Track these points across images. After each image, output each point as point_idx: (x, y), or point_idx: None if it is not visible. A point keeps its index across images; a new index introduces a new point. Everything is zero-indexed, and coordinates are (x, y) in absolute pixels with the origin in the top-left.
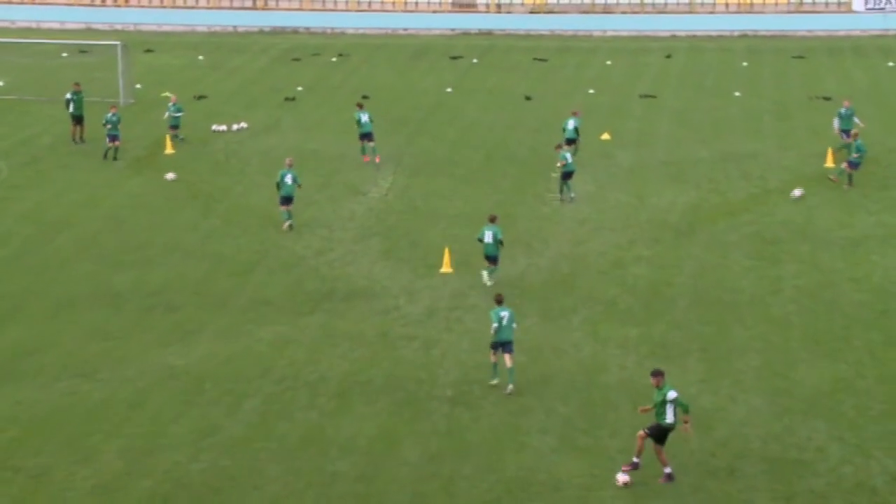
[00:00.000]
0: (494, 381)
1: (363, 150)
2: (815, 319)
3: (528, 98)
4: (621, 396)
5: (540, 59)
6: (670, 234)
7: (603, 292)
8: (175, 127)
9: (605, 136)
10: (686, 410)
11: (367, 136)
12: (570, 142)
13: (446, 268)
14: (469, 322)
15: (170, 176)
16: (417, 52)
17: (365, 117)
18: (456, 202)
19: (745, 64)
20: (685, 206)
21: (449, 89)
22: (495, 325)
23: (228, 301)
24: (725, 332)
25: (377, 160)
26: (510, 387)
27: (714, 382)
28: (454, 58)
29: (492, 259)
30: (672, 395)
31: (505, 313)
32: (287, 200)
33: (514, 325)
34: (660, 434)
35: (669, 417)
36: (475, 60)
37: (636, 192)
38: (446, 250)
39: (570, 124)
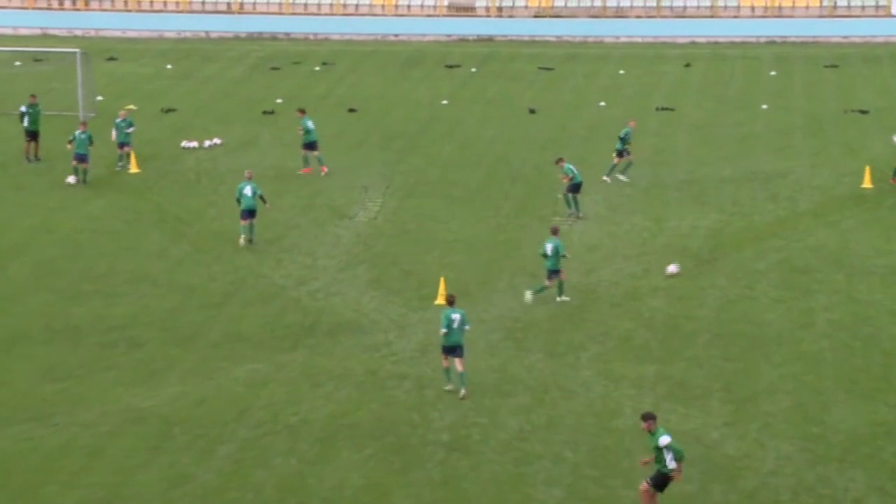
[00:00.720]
0: (448, 387)
1: (306, 161)
2: (852, 356)
3: (532, 111)
4: (636, 442)
5: (545, 68)
6: (691, 262)
7: (616, 326)
8: (124, 145)
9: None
10: (680, 458)
11: (312, 146)
12: (620, 154)
13: (442, 299)
14: (466, 358)
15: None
16: (410, 61)
17: (311, 124)
18: (452, 226)
19: (772, 73)
20: (707, 231)
21: (445, 101)
22: (444, 329)
23: (199, 336)
24: (752, 370)
25: (323, 171)
26: (463, 391)
27: (740, 426)
28: (451, 66)
29: (554, 273)
30: (664, 440)
31: (456, 315)
32: (248, 214)
33: (467, 328)
34: (663, 484)
35: (671, 464)
36: (474, 69)
37: (653, 215)
38: (442, 280)
39: (625, 134)
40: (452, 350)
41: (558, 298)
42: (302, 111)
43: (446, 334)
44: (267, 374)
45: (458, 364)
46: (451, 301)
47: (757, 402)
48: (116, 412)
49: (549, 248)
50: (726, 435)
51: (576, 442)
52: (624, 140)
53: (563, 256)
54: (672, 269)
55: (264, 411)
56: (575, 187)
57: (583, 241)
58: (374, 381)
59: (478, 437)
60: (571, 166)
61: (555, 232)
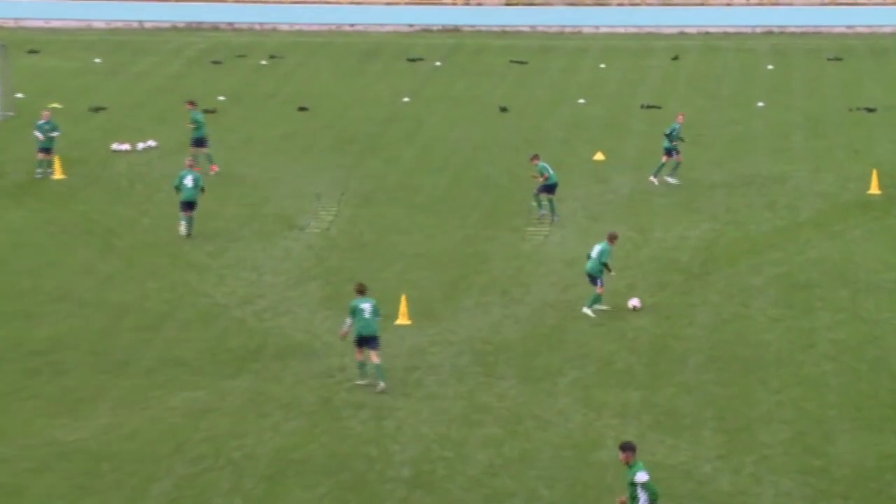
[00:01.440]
0: (362, 382)
1: (209, 158)
2: (858, 381)
3: (503, 109)
4: (619, 478)
5: (518, 62)
6: (679, 277)
7: (597, 349)
8: (47, 150)
9: (599, 157)
10: (655, 500)
11: (201, 142)
12: (669, 152)
13: (403, 319)
14: (430, 385)
15: None
16: (367, 54)
17: (202, 117)
18: (415, 238)
19: (770, 67)
20: (697, 242)
21: (406, 99)
22: (349, 319)
23: (132, 362)
24: (747, 396)
25: (213, 170)
26: (381, 384)
27: (734, 459)
28: (413, 60)
29: (593, 279)
30: (640, 476)
31: (366, 305)
32: (188, 206)
33: (379, 318)
34: None
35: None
36: (438, 63)
37: (637, 226)
38: (403, 298)
39: (672, 132)
40: (367, 341)
41: (584, 309)
42: (192, 103)
43: (357, 325)
44: (207, 403)
45: (373, 356)
46: (360, 290)
47: (753, 433)
48: (38, 446)
49: (595, 250)
50: (719, 469)
51: (552, 477)
52: (671, 137)
53: (604, 265)
54: (634, 302)
55: (204, 445)
56: (549, 188)
57: (560, 254)
58: (328, 410)
59: (443, 473)
60: (546, 165)
61: (612, 239)
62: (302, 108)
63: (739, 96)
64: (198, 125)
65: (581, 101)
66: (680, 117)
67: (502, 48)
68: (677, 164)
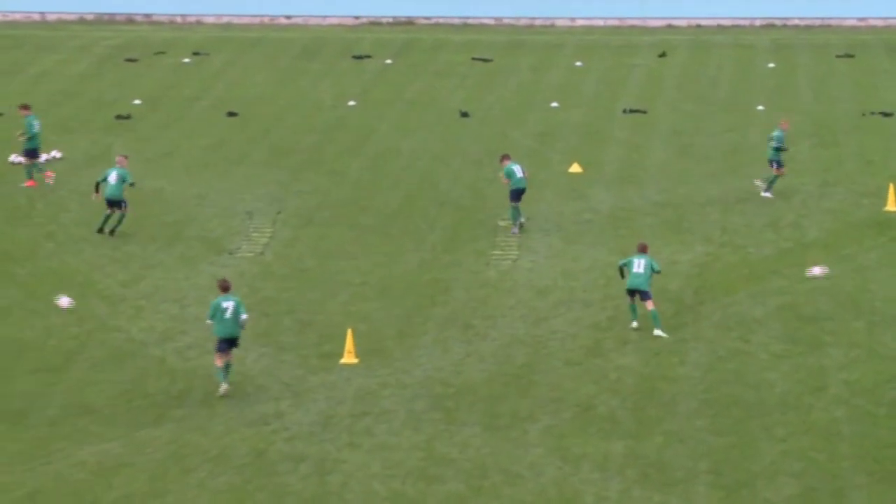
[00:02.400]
0: (224, 387)
1: (29, 173)
2: (874, 428)
3: (464, 115)
4: None
5: (482, 60)
6: (669, 308)
7: (574, 391)
8: None
9: (575, 169)
10: None
11: (34, 153)
12: (779, 164)
13: (349, 357)
14: (382, 434)
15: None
16: (307, 51)
17: (38, 125)
18: (363, 263)
19: (771, 65)
20: (689, 268)
21: (352, 102)
22: (209, 320)
23: (33, 409)
24: (748, 446)
25: (49, 177)
26: (224, 387)
27: None
28: (359, 58)
29: (643, 294)
30: None
31: (229, 304)
32: (112, 204)
33: (244, 317)
34: None
35: None
36: (389, 61)
37: (620, 249)
38: (349, 333)
39: (775, 140)
40: (231, 343)
41: (656, 332)
42: (25, 107)
43: (217, 326)
44: (122, 457)
45: (225, 357)
46: (224, 287)
47: (754, 488)
48: None
49: (638, 264)
50: None
51: None
52: (778, 147)
53: (657, 272)
54: (815, 271)
55: None
56: (515, 194)
57: (530, 282)
58: (262, 463)
59: None
60: (515, 167)
61: (643, 250)
62: (231, 114)
63: (736, 99)
64: (31, 136)
65: (554, 104)
66: (784, 123)
67: (463, 44)
68: (775, 178)
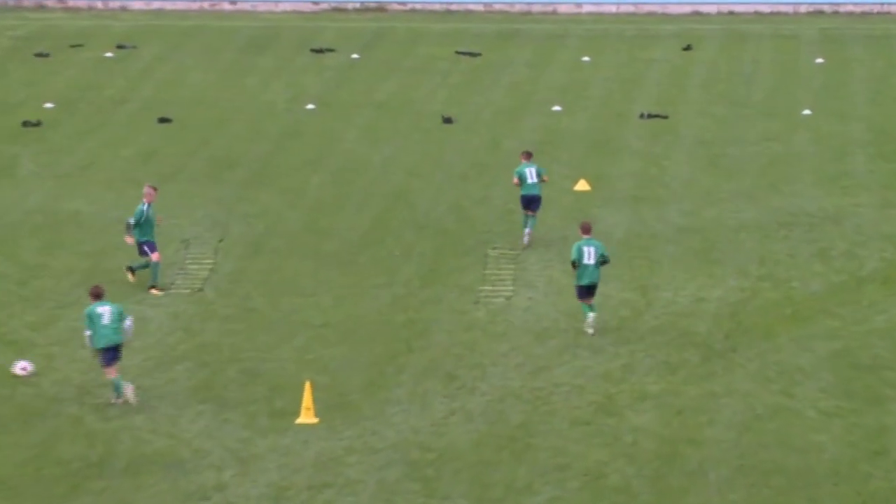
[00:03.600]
0: (116, 401)
1: None
2: None
3: (447, 120)
4: None
5: (468, 54)
6: (696, 356)
7: (581, 457)
8: None
9: (582, 186)
10: None
11: None
12: None
13: (307, 416)
14: None
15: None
16: (255, 42)
17: None
18: (324, 300)
19: (819, 61)
20: (720, 307)
21: (310, 106)
22: (88, 332)
23: None
24: None
25: None
26: (117, 398)
27: None
28: (319, 51)
29: (592, 291)
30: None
31: (104, 308)
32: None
33: (129, 322)
34: None
35: None
36: (356, 56)
37: (636, 283)
38: (307, 385)
39: None
40: (116, 352)
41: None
42: None
43: (97, 336)
44: None
45: (112, 371)
46: (96, 294)
47: None
48: None
49: (588, 253)
50: None
51: None
52: None
53: (606, 262)
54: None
55: None
56: (527, 201)
57: (527, 323)
58: None
59: None
60: (530, 169)
61: (588, 231)
62: (163, 120)
63: (777, 102)
64: None
65: (556, 108)
66: None
67: (445, 34)
68: None
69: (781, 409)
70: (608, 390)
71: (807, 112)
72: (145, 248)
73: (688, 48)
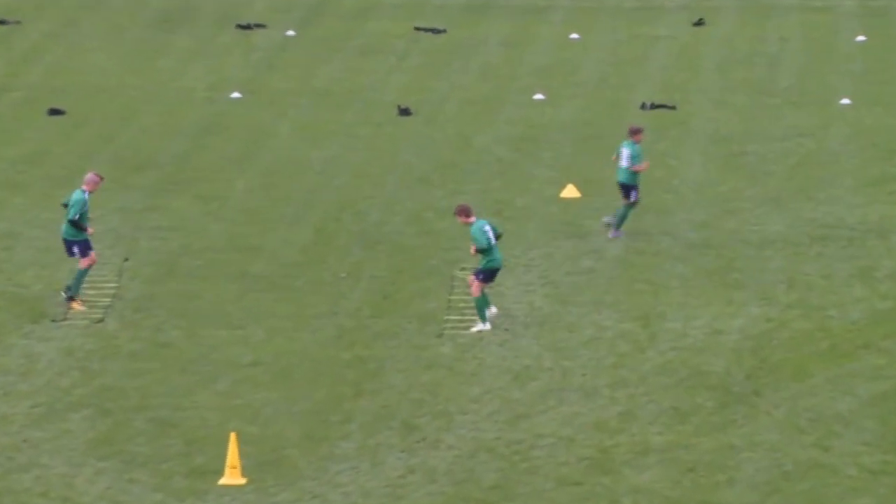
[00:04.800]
0: None
1: None
2: None
3: (404, 112)
4: None
5: (429, 30)
6: (710, 400)
7: None
8: None
9: (570, 192)
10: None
11: None
12: None
13: (233, 475)
14: None
15: None
16: (168, 17)
17: None
18: (253, 333)
19: (859, 39)
20: (740, 341)
21: (236, 94)
22: None
23: None
24: None
25: None
26: None
27: None
28: (246, 27)
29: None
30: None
31: None
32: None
33: None
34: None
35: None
36: (291, 33)
37: (637, 311)
38: (233, 437)
39: None
40: None
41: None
42: None
43: None
44: None
45: None
46: None
47: None
48: None
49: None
50: None
51: None
52: None
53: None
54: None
55: None
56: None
57: (505, 361)
58: None
59: None
60: (623, 149)
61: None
62: (54, 112)
63: (808, 89)
64: None
65: (538, 97)
66: None
67: (402, 6)
68: None
69: (815, 465)
70: (603, 443)
71: (845, 101)
72: (75, 250)
73: (699, 23)
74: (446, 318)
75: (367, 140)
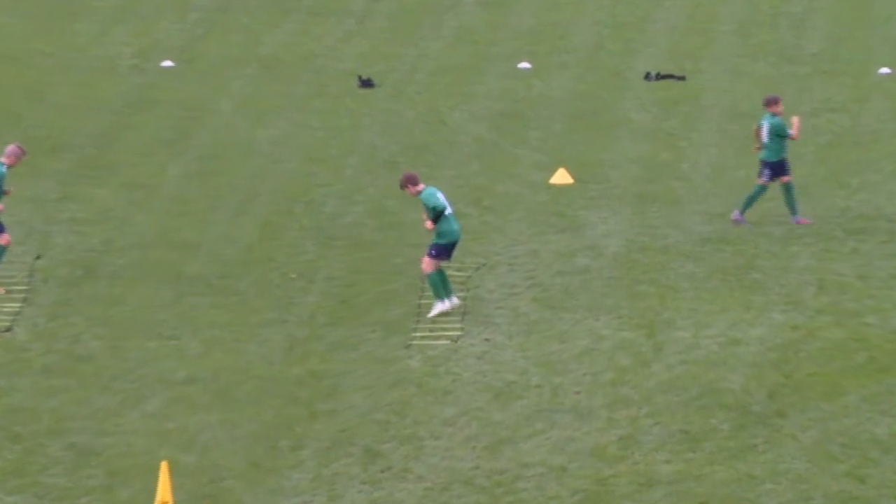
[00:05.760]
0: None
1: None
2: None
3: (365, 83)
4: None
5: None
6: (726, 422)
7: None
8: None
9: (561, 177)
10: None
11: None
12: None
13: None
14: None
15: None
16: None
17: None
18: (189, 345)
19: None
20: (762, 352)
21: (167, 62)
22: None
23: None
24: None
25: None
26: None
27: None
28: None
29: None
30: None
31: None
32: None
33: None
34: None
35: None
36: None
37: (641, 318)
38: (163, 466)
39: None
40: None
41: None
42: None
43: None
44: None
45: None
46: None
47: None
48: None
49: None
50: None
51: None
52: None
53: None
54: None
55: None
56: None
57: (484, 378)
58: None
59: None
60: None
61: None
62: None
63: (841, 56)
64: None
65: (523, 65)
66: None
67: None
68: None
69: (849, 498)
70: (600, 472)
71: (884, 71)
72: None
73: None
74: (415, 326)
75: (322, 117)
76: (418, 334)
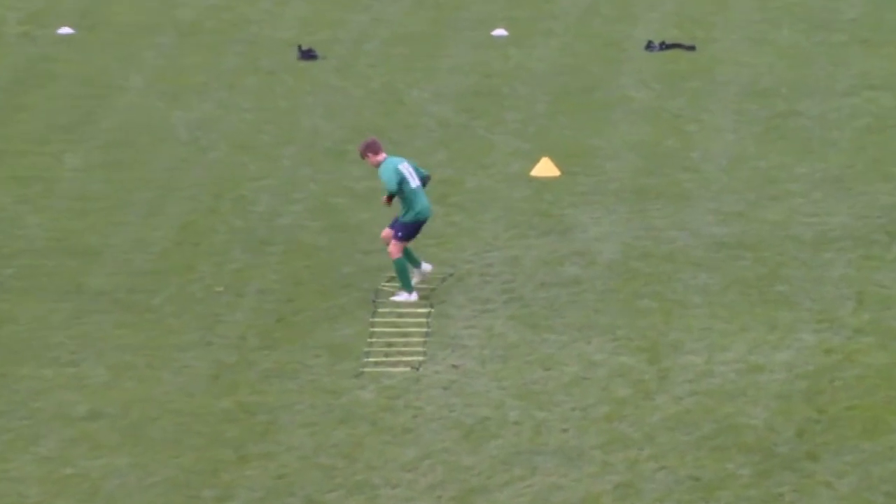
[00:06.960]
0: None
1: None
2: None
3: (307, 54)
4: None
5: None
6: (746, 466)
7: None
8: None
9: (546, 168)
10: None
11: None
12: None
13: None
14: None
15: None
16: None
17: None
18: (91, 372)
19: None
20: (791, 380)
21: (65, 29)
22: None
23: None
24: None
25: None
26: None
27: None
28: None
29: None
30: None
31: None
32: None
33: None
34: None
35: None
36: None
37: (642, 339)
38: None
39: None
40: None
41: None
42: None
43: None
44: None
45: None
46: None
47: None
48: None
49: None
50: None
51: None
52: None
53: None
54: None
55: None
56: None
57: (453, 413)
58: None
59: None
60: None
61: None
62: None
63: (882, 24)
64: None
65: (499, 32)
66: None
67: None
68: None
69: None
70: None
71: None
72: None
73: None
74: (367, 349)
75: (253, 95)
76: (372, 360)
